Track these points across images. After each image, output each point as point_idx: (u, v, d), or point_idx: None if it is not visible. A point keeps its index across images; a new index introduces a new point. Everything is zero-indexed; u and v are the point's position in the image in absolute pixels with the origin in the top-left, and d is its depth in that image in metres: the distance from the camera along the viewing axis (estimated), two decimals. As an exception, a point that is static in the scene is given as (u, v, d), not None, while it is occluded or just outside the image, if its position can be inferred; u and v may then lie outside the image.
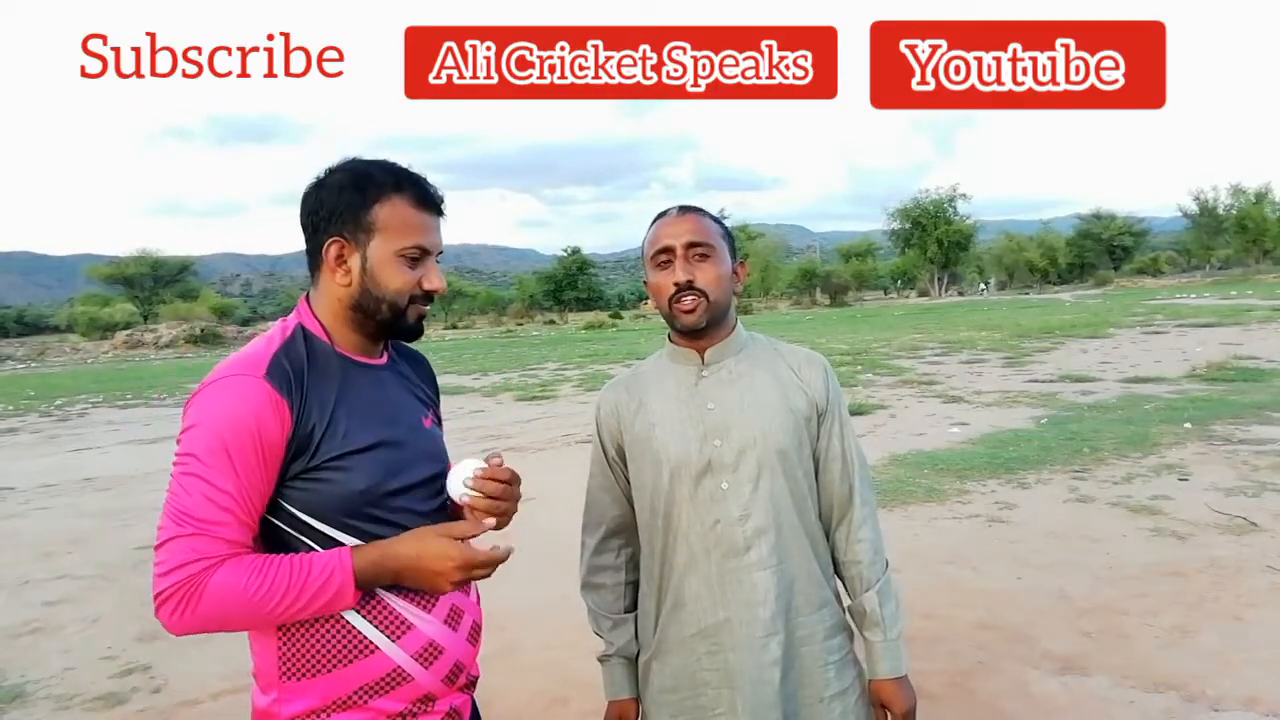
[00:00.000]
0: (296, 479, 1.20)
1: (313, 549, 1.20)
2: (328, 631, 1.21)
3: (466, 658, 1.32)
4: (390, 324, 1.29)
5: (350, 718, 1.22)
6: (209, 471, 1.13)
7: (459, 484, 1.27)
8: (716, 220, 1.56)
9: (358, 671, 1.22)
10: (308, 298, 1.32)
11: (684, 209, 1.55)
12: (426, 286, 1.29)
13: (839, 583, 1.60)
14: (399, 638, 1.23)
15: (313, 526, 1.21)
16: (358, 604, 1.20)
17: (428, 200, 1.29)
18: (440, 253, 1.32)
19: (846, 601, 1.59)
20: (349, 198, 1.25)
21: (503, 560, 1.23)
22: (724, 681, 1.48)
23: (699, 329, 1.50)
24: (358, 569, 1.16)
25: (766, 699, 1.45)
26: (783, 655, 1.47)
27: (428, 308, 1.33)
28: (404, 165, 1.31)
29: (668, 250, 1.49)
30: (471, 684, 1.38)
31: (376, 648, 1.22)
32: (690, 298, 1.48)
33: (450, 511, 1.36)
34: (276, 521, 1.21)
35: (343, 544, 1.21)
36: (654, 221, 1.56)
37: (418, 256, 1.28)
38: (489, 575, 1.25)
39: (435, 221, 1.31)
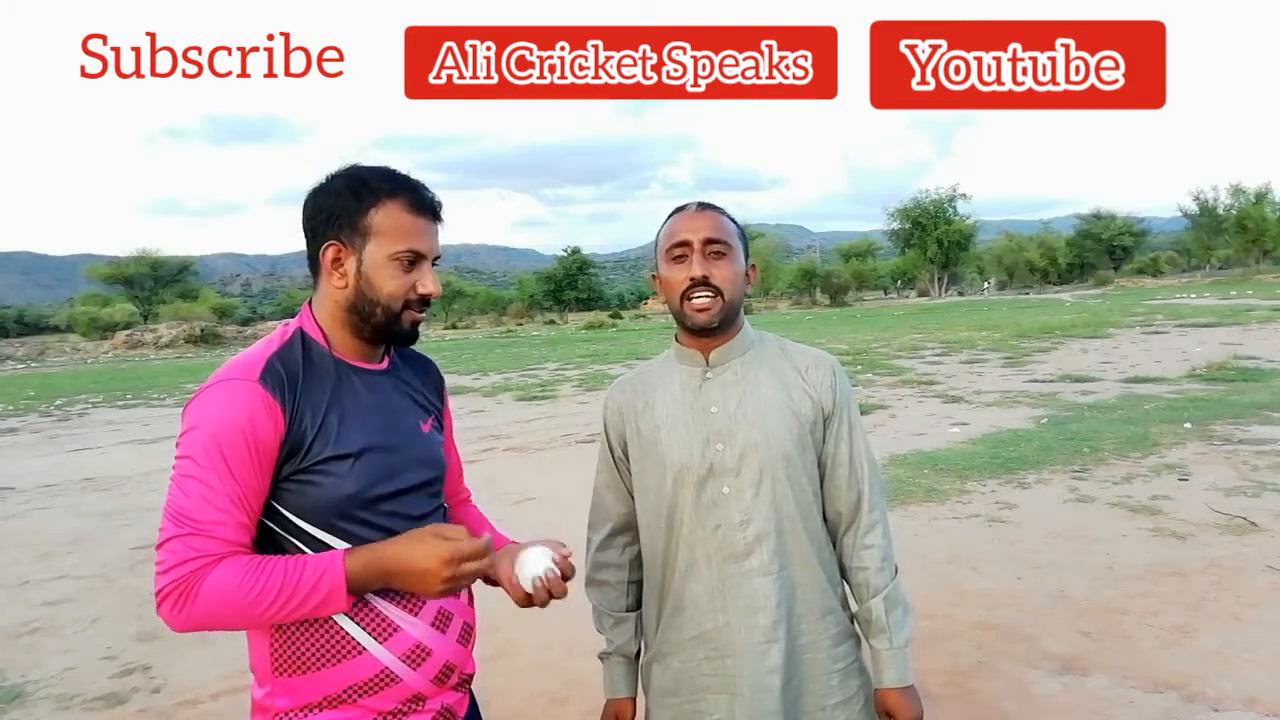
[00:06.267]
0: (287, 480, 1.21)
1: (302, 550, 1.21)
2: (317, 632, 1.23)
3: (457, 658, 1.32)
4: (384, 328, 1.30)
5: (340, 715, 1.24)
6: (205, 474, 1.15)
7: (528, 577, 1.28)
8: (733, 220, 1.53)
9: (346, 671, 1.23)
10: (310, 302, 1.34)
11: (703, 205, 1.53)
12: (420, 290, 1.30)
13: (846, 589, 1.57)
14: (385, 640, 1.24)
15: (301, 528, 1.22)
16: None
17: (423, 205, 1.29)
18: (438, 257, 1.33)
19: (855, 608, 1.57)
20: (345, 202, 1.27)
21: (487, 550, 1.20)
22: (723, 687, 1.47)
23: (711, 328, 1.48)
24: (350, 572, 1.17)
25: (766, 705, 1.44)
26: (783, 662, 1.45)
27: (424, 314, 1.34)
28: (403, 171, 1.32)
29: (684, 244, 1.46)
30: (466, 682, 1.38)
31: (364, 649, 1.23)
32: (704, 295, 1.45)
33: (447, 516, 1.36)
34: (268, 523, 1.22)
35: (331, 546, 1.21)
36: (670, 216, 1.54)
37: (413, 260, 1.28)
38: (479, 573, 1.22)
39: (431, 227, 1.31)
